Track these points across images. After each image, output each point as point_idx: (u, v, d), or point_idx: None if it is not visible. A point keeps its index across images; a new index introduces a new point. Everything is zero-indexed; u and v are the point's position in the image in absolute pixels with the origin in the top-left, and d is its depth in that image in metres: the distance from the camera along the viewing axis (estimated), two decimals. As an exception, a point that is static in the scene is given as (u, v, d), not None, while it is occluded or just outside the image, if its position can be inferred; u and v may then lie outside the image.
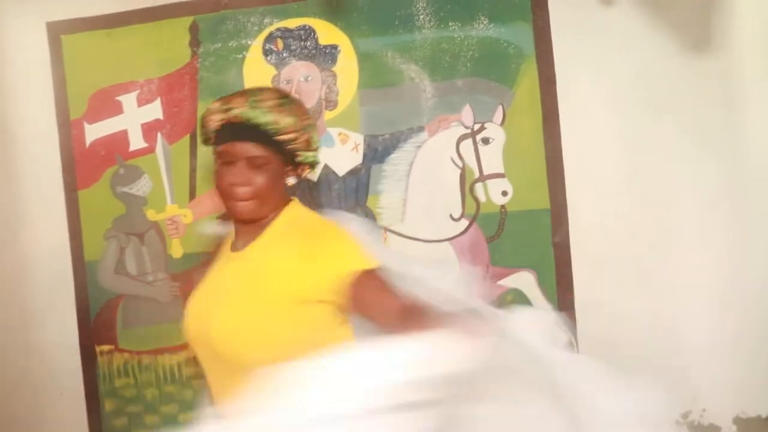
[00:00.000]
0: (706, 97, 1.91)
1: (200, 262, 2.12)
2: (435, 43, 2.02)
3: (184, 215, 2.18)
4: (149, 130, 2.18)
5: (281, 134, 1.30)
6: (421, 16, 2.03)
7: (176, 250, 2.19)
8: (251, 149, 1.30)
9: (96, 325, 2.25)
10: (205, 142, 1.41)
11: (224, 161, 1.32)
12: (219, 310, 1.30)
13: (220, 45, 2.12)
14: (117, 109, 2.19)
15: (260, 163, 1.30)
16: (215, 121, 1.34)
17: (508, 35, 1.99)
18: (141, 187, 2.21)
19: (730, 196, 1.92)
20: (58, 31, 2.20)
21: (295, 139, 1.32)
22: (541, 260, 2.02)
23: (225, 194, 1.33)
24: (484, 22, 2.00)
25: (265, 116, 1.29)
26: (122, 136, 2.20)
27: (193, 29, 2.14)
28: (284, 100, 1.34)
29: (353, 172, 2.09)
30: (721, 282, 1.94)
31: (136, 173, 2.20)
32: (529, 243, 2.03)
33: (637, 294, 1.99)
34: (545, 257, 2.02)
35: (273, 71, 2.10)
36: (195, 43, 2.14)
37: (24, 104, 2.24)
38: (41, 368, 2.28)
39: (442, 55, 2.02)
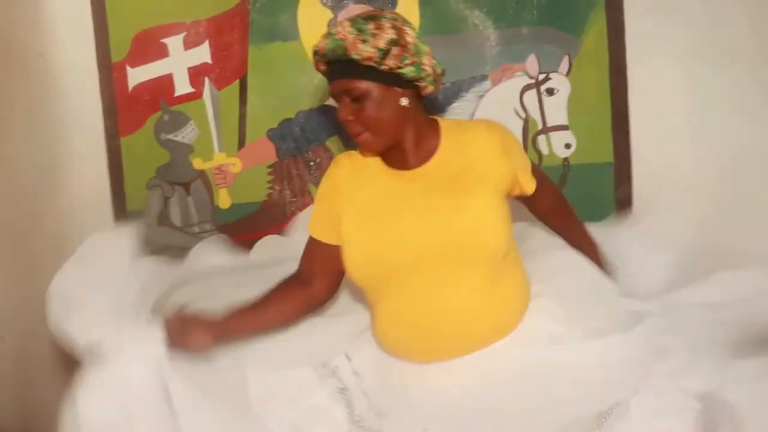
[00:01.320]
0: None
1: (249, 212, 2.16)
2: (501, -12, 2.01)
3: (232, 164, 2.15)
4: (196, 74, 2.13)
5: (366, 58, 1.29)
6: (489, -40, 2.01)
7: (224, 201, 2.17)
8: (345, 84, 1.33)
9: (138, 278, 2.24)
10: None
11: (336, 99, 1.37)
12: (451, 213, 1.33)
13: (272, -15, 2.08)
14: (162, 52, 2.14)
15: (359, 96, 1.32)
16: (318, 63, 1.39)
17: (578, -20, 1.98)
18: (187, 134, 2.17)
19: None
20: (100, -32, 2.14)
21: (383, 61, 1.29)
22: (603, 214, 2.02)
23: (345, 129, 1.39)
24: (553, -33, 1.99)
25: (341, 49, 1.30)
26: (167, 81, 2.15)
27: (244, -31, 2.09)
28: (363, 25, 1.31)
29: (412, 122, 2.07)
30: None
31: (182, 120, 2.16)
32: (591, 197, 2.03)
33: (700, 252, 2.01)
34: (607, 211, 2.03)
35: (329, 14, 2.06)
36: (246, -17, 2.10)
37: (63, 46, 2.17)
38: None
39: (508, 2, 1.99)
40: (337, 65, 1.33)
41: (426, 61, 1.35)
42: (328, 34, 1.33)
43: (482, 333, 1.34)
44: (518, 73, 2.02)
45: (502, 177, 1.38)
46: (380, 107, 1.33)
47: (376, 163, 1.43)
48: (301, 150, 2.12)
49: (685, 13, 1.94)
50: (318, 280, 1.49)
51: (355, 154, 1.49)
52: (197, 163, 2.17)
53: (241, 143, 2.14)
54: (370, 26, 1.31)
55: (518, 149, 1.48)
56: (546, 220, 1.65)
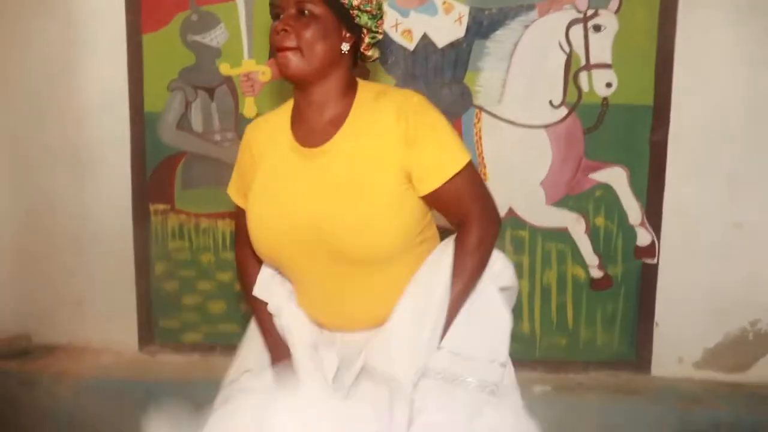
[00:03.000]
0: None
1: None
2: None
3: (261, 72, 2.12)
4: (231, -27, 2.09)
5: None
6: None
7: (249, 110, 2.14)
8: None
9: (152, 183, 2.20)
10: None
11: (275, 15, 1.29)
12: (336, 207, 1.23)
13: None
14: (195, -54, 2.09)
15: (308, 12, 1.25)
16: None
17: None
18: (215, 37, 2.12)
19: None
20: None
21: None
22: (636, 158, 2.08)
23: (273, 47, 1.28)
24: None
25: None
26: (199, -22, 2.10)
27: None
28: None
29: (454, 45, 2.06)
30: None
31: (212, 21, 2.11)
32: (627, 139, 2.07)
33: (725, 202, 2.08)
34: (641, 156, 2.08)
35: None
36: None
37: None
38: (90, 225, 2.24)
39: (564, -69, 2.00)
40: None
41: (380, 21, 1.33)
42: None
43: (364, 320, 1.31)
44: (566, 6, 2.03)
45: (403, 168, 1.25)
46: (323, 35, 1.26)
47: (285, 133, 1.35)
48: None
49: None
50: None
51: (270, 119, 1.42)
52: (224, 69, 2.13)
53: (273, 52, 2.10)
54: None
55: (434, 139, 1.25)
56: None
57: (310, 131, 1.31)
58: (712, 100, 2.04)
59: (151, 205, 2.21)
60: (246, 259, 1.47)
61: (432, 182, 1.24)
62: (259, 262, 1.43)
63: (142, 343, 2.28)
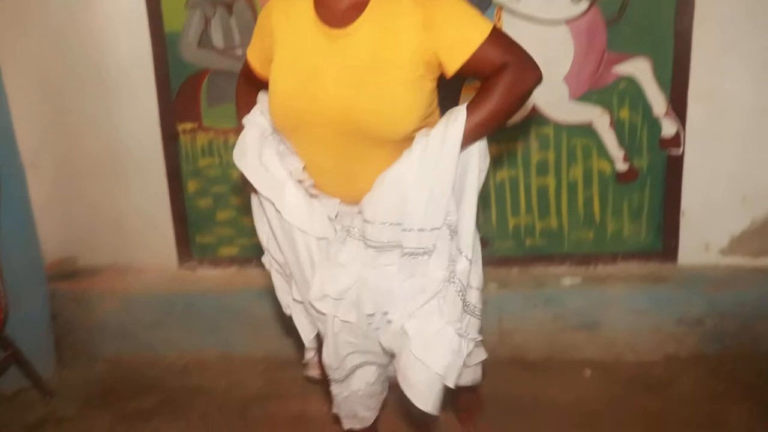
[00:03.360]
0: None
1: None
2: None
3: (278, -17, 2.12)
4: None
5: None
6: None
7: (268, 22, 2.15)
8: None
9: (178, 102, 2.24)
10: None
11: None
12: (357, 88, 1.28)
13: None
14: None
15: None
16: None
17: None
18: (230, -51, 2.12)
19: None
20: None
21: None
22: (660, 47, 2.07)
23: None
24: None
25: None
26: None
27: None
28: None
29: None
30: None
31: (225, -68, 2.11)
32: (650, 28, 2.06)
33: (754, 87, 2.08)
34: (665, 44, 2.07)
35: None
36: None
37: None
38: (120, 148, 2.30)
39: None
40: None
41: None
42: None
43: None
44: None
45: (423, 52, 1.28)
46: None
47: (308, 11, 1.37)
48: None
49: None
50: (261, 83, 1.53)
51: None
52: (241, -19, 2.13)
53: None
54: None
55: (451, 19, 1.28)
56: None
57: (332, 13, 1.33)
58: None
59: (179, 124, 2.26)
60: (247, 88, 1.57)
61: (460, 57, 1.26)
62: (256, 91, 1.54)
63: (181, 260, 2.39)
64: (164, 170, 2.30)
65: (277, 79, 1.37)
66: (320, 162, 1.39)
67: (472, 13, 1.28)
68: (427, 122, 1.34)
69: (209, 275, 2.36)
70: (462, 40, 1.26)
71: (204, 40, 2.18)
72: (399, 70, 1.28)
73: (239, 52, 2.18)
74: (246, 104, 1.53)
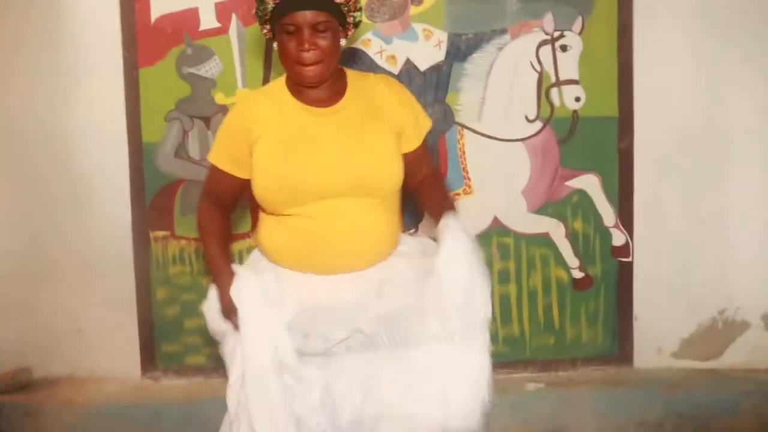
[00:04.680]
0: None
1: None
2: (523, -53, 2.24)
3: (255, 100, 2.27)
4: (223, 9, 2.23)
5: None
6: None
7: (245, 136, 2.28)
8: (314, 16, 1.45)
9: (151, 210, 2.30)
10: (261, 18, 1.53)
11: (288, 32, 1.46)
12: (358, 148, 1.51)
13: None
14: (188, -16, 2.25)
15: (323, 28, 1.46)
16: None
17: (592, -52, 2.24)
18: (210, 68, 2.26)
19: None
20: None
21: (348, 1, 1.51)
22: (606, 164, 2.30)
23: (293, 61, 1.48)
24: (571, -67, 2.24)
25: None
26: (192, 15, 2.24)
27: None
28: None
29: (435, 68, 2.26)
30: (764, 191, 2.31)
31: (206, 54, 2.25)
32: (597, 147, 2.30)
33: (692, 199, 2.32)
34: (611, 161, 2.30)
35: (360, -39, 2.23)
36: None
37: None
38: (90, 252, 2.31)
39: (530, -39, 2.24)
40: None
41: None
42: None
43: (367, 254, 1.55)
44: (535, 29, 2.25)
45: (397, 123, 1.57)
46: (334, 40, 1.49)
47: (287, 101, 1.56)
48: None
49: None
50: (225, 199, 1.66)
51: (264, 91, 1.65)
52: (219, 98, 2.27)
53: (266, 79, 2.25)
54: None
55: (414, 106, 1.65)
56: (419, 190, 1.71)
57: (315, 100, 1.55)
58: (670, 108, 2.29)
59: (151, 232, 2.32)
60: (211, 207, 1.65)
61: (414, 141, 1.63)
62: (224, 214, 1.66)
63: (144, 369, 2.35)
64: (133, 277, 2.32)
65: (269, 161, 1.52)
66: (318, 230, 1.50)
67: (421, 108, 1.68)
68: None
69: (174, 385, 2.32)
70: (418, 128, 1.64)
71: (181, 151, 2.29)
72: (385, 135, 1.55)
73: (215, 163, 2.29)
74: (213, 231, 1.64)
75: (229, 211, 1.68)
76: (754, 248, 2.33)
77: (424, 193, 1.69)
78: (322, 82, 1.52)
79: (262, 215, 1.62)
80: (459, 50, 2.26)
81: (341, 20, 1.51)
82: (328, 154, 1.50)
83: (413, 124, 1.62)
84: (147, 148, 2.29)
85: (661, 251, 2.33)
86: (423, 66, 2.26)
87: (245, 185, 1.60)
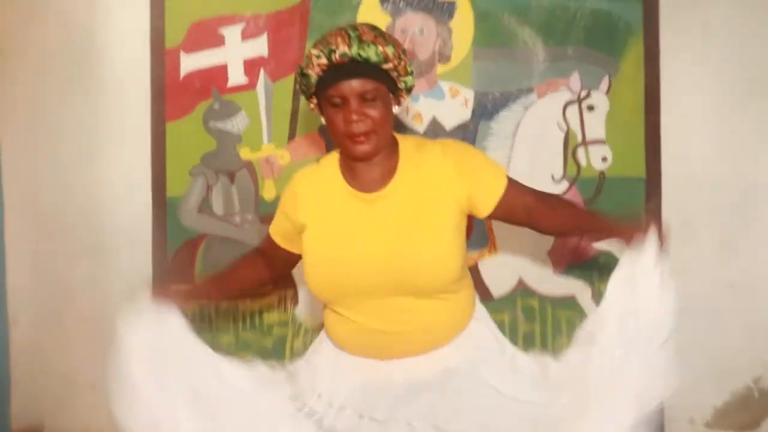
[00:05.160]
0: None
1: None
2: (550, 9, 2.24)
3: (280, 156, 2.28)
4: (251, 66, 2.27)
5: (387, 62, 1.40)
6: (539, -16, 2.26)
7: (269, 192, 2.28)
8: (361, 84, 1.39)
9: (173, 265, 2.29)
10: (306, 92, 1.48)
11: (335, 104, 1.40)
12: (404, 244, 1.41)
13: (335, -13, 2.27)
14: (218, 41, 2.26)
15: (372, 97, 1.39)
16: (319, 67, 1.41)
17: (619, 10, 2.24)
18: (236, 123, 2.28)
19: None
20: (161, -44, 2.28)
21: (396, 66, 1.42)
22: (634, 226, 2.28)
23: (342, 135, 1.41)
24: (598, -5, 2.26)
25: (370, 48, 1.38)
26: (221, 70, 2.27)
27: (309, -31, 2.27)
28: (378, 30, 1.44)
29: (461, 127, 2.26)
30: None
31: (233, 109, 2.28)
32: (624, 208, 2.26)
33: (720, 262, 2.27)
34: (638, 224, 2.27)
35: (388, 19, 2.25)
36: (309, -17, 2.27)
37: (117, 26, 2.29)
38: (110, 306, 2.28)
39: (556, 22, 2.24)
40: (349, 67, 1.39)
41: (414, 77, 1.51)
42: (347, 36, 1.39)
43: (423, 345, 1.46)
44: (562, 89, 2.26)
45: (460, 197, 1.45)
46: (387, 111, 1.43)
47: (338, 182, 1.50)
48: (350, 147, 2.27)
49: (714, 48, 2.24)
50: (270, 265, 1.69)
51: (316, 171, 1.58)
52: (244, 153, 2.28)
53: (291, 136, 2.27)
54: (384, 33, 1.45)
55: (477, 169, 1.48)
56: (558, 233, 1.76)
57: (364, 181, 1.48)
58: (698, 169, 2.26)
59: (173, 286, 2.29)
60: (257, 254, 1.70)
61: (494, 197, 1.47)
62: (265, 265, 1.68)
63: (159, 427, 2.30)
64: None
65: (315, 252, 1.47)
66: (366, 324, 1.44)
67: (491, 161, 1.55)
68: (465, 269, 1.50)
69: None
70: (492, 181, 1.48)
71: (204, 206, 2.29)
72: (441, 219, 1.43)
73: (238, 219, 2.28)
74: (246, 264, 1.69)
75: (271, 268, 1.68)
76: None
77: (549, 224, 1.60)
78: (375, 155, 1.44)
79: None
80: (486, 109, 2.26)
81: (391, 86, 1.44)
82: (372, 252, 1.42)
83: (479, 190, 1.46)
84: (171, 203, 2.29)
85: (690, 316, 2.24)
86: (449, 125, 2.26)
87: (295, 260, 1.60)
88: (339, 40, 1.39)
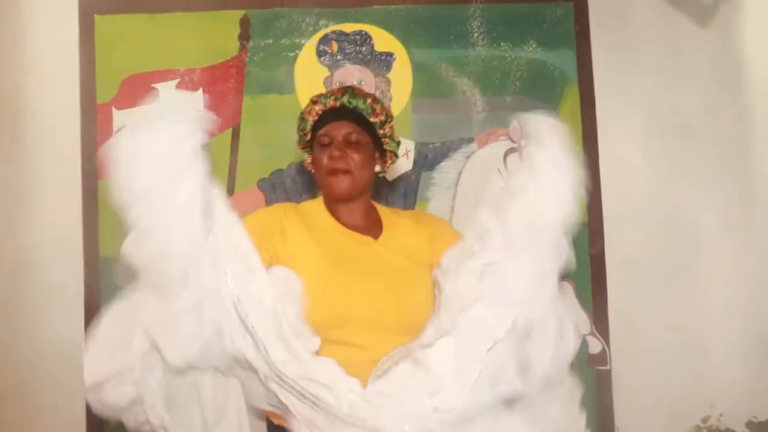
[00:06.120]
0: (727, 126, 2.33)
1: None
2: (487, 60, 2.28)
3: (222, 213, 2.22)
4: (187, 120, 2.23)
5: (374, 115, 1.61)
6: (475, 34, 2.29)
7: (210, 249, 2.22)
8: (347, 127, 1.59)
9: (107, 329, 2.20)
10: (303, 138, 1.67)
11: (323, 144, 1.60)
12: (411, 288, 1.53)
13: (271, 41, 2.24)
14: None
15: (356, 140, 1.58)
16: (315, 113, 1.62)
17: (554, 59, 2.30)
18: (172, 180, 2.23)
19: (746, 215, 2.32)
20: (91, 10, 2.22)
21: (384, 123, 1.63)
22: (579, 271, 2.27)
23: (324, 172, 1.59)
24: (533, 46, 2.30)
25: (360, 99, 1.61)
26: (155, 126, 2.23)
27: (244, 23, 2.24)
28: (374, 95, 1.67)
29: (403, 178, 2.25)
30: (737, 293, 2.31)
31: (168, 165, 2.23)
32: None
33: (663, 304, 2.30)
34: (583, 268, 2.28)
35: (326, 72, 2.25)
36: (245, 36, 2.24)
37: (45, 81, 2.21)
38: (34, 376, 2.17)
39: (493, 73, 2.29)
40: (339, 111, 1.60)
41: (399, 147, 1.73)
42: (344, 89, 1.64)
43: None
44: (502, 138, 2.28)
45: (431, 265, 1.58)
46: (367, 159, 1.61)
47: (326, 221, 1.61)
48: (292, 201, 2.23)
49: (646, 96, 2.32)
50: None
51: (298, 208, 1.65)
52: (180, 211, 2.22)
53: (230, 191, 2.21)
54: (381, 101, 1.67)
55: (443, 235, 1.64)
56: None
57: (352, 223, 1.61)
58: (638, 213, 2.30)
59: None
60: None
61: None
62: None
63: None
64: (83, 403, 2.17)
65: (314, 279, 1.47)
66: (355, 357, 1.42)
67: (454, 230, 1.74)
68: None
69: None
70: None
71: (140, 266, 2.21)
72: (424, 270, 1.56)
73: (176, 278, 2.21)
74: None
75: None
76: (731, 353, 2.30)
77: None
78: (351, 197, 1.59)
79: None
80: (427, 159, 2.27)
81: (377, 143, 1.63)
82: (374, 287, 1.50)
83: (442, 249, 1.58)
84: (105, 264, 2.20)
85: (638, 358, 2.29)
86: (391, 176, 2.25)
87: None
88: (336, 90, 1.63)
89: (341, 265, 1.52)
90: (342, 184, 1.57)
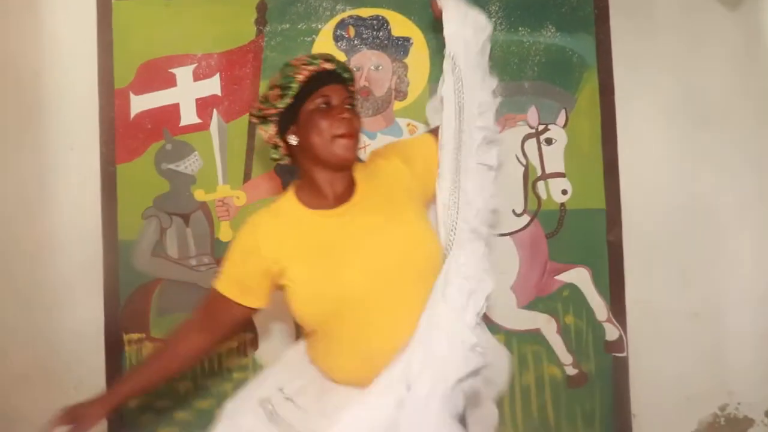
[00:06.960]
0: (746, 112, 2.30)
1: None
2: (505, 45, 2.27)
3: (236, 197, 2.24)
4: (204, 105, 2.24)
5: (353, 84, 1.61)
6: (493, 19, 2.26)
7: (225, 234, 2.23)
8: (346, 90, 1.56)
9: (126, 312, 2.22)
10: (284, 95, 1.53)
11: (325, 102, 1.52)
12: (396, 230, 1.51)
13: (288, 26, 2.25)
14: (169, 82, 2.24)
15: (350, 105, 1.56)
16: (307, 70, 1.52)
17: (573, 44, 2.28)
18: (190, 164, 2.25)
19: (766, 202, 2.29)
20: (109, -5, 2.25)
21: (354, 92, 1.62)
22: (596, 257, 2.28)
23: (330, 136, 1.50)
24: (552, 30, 2.28)
25: (345, 68, 1.59)
26: (173, 110, 2.24)
27: (261, 8, 2.25)
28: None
29: (420, 163, 2.26)
30: (757, 281, 2.29)
31: (186, 150, 2.24)
32: (586, 240, 2.27)
33: (682, 291, 2.28)
34: (600, 254, 2.28)
35: (343, 57, 2.24)
36: (261, 21, 2.25)
37: (63, 66, 2.24)
38: (59, 360, 2.21)
39: (512, 58, 2.27)
40: (332, 74, 1.55)
41: None
42: (321, 55, 1.57)
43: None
44: (520, 123, 2.28)
45: (416, 181, 1.60)
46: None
47: (304, 214, 1.54)
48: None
49: (665, 81, 2.29)
50: (215, 331, 1.60)
51: (274, 213, 1.59)
52: (199, 195, 2.24)
53: (247, 176, 2.24)
54: None
55: (406, 147, 1.69)
56: None
57: (327, 201, 1.55)
58: (657, 199, 2.29)
59: (125, 334, 2.23)
60: (193, 332, 1.60)
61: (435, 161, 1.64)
62: (205, 341, 1.59)
63: (113, 481, 2.22)
64: (104, 383, 2.21)
65: (298, 277, 1.48)
66: (362, 338, 1.46)
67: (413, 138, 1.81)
68: None
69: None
70: (430, 155, 1.65)
71: (158, 250, 2.24)
72: (412, 210, 1.55)
73: (194, 262, 2.23)
74: (180, 341, 1.61)
75: (211, 335, 1.60)
76: (750, 341, 2.29)
77: None
78: (353, 164, 1.55)
79: (310, 338, 1.60)
80: (444, 144, 2.27)
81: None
82: (359, 254, 1.47)
83: (423, 158, 1.64)
84: (123, 246, 2.23)
85: (656, 345, 2.28)
86: (407, 160, 2.26)
87: (246, 316, 1.57)
88: (319, 56, 1.55)
89: (326, 256, 1.48)
90: (351, 147, 1.51)
